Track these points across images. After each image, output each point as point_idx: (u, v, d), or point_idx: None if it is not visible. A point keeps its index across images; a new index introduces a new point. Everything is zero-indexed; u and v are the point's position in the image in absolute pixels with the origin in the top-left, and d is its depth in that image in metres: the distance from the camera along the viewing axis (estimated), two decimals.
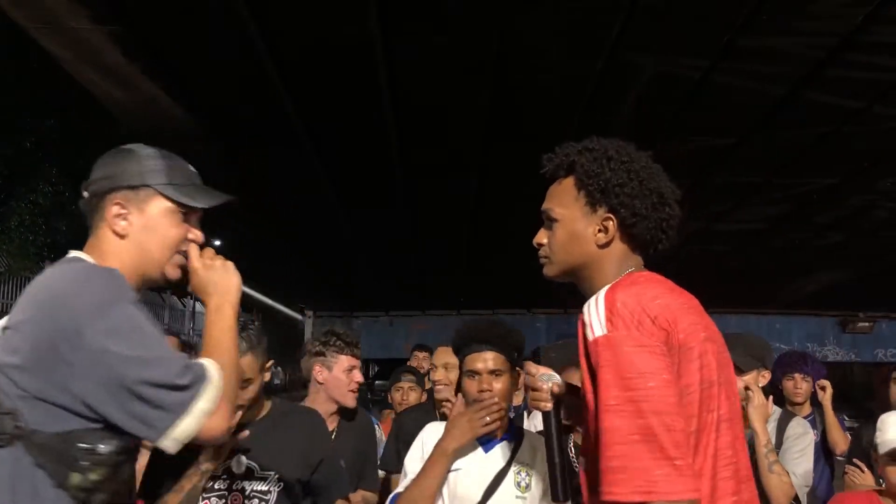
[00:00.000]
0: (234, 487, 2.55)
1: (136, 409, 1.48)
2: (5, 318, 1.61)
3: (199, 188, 1.84)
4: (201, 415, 1.52)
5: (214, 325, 1.74)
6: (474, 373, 2.58)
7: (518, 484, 2.51)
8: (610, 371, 1.48)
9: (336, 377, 3.60)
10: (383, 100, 4.92)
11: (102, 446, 1.48)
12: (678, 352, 1.52)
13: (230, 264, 1.87)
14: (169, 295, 23.62)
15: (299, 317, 14.72)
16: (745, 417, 3.30)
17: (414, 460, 2.61)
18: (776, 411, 3.78)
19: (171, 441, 1.52)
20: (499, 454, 2.58)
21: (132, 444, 1.60)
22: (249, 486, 2.56)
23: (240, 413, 2.35)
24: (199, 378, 1.55)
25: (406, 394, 5.14)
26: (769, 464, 3.18)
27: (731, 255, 9.13)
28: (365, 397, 6.07)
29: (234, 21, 3.98)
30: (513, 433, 2.66)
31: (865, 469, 4.05)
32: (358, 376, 3.67)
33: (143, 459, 3.36)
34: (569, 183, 1.80)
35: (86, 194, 1.79)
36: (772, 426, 3.58)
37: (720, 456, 1.51)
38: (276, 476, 2.59)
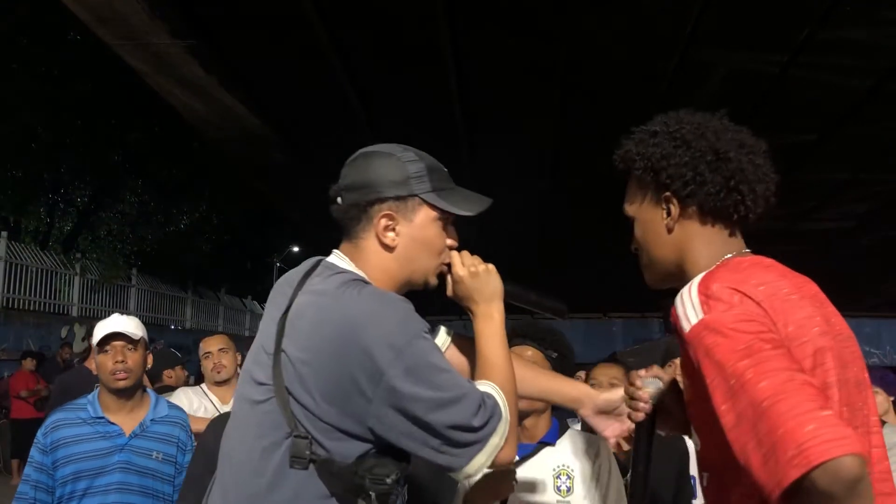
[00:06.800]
0: None
1: (434, 446, 1.49)
2: (286, 341, 1.53)
3: (457, 192, 1.73)
4: (494, 450, 1.52)
5: (485, 337, 1.69)
6: None
7: (558, 489, 2.41)
8: (716, 354, 1.27)
9: None
10: (453, 103, 4.94)
11: (389, 478, 1.48)
12: (788, 344, 1.30)
13: (492, 268, 1.75)
14: (223, 293, 23.98)
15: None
16: None
17: None
18: None
19: (462, 475, 1.54)
20: (536, 460, 2.49)
21: (407, 472, 1.60)
22: None
23: None
24: (493, 415, 1.53)
25: None
26: None
27: (815, 255, 8.82)
28: None
29: (306, 31, 4.06)
30: (554, 434, 2.56)
31: None
32: None
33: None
34: (632, 176, 1.65)
35: (339, 200, 1.66)
36: None
37: None
38: None
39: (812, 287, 1.50)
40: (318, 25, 4.00)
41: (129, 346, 2.90)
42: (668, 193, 1.55)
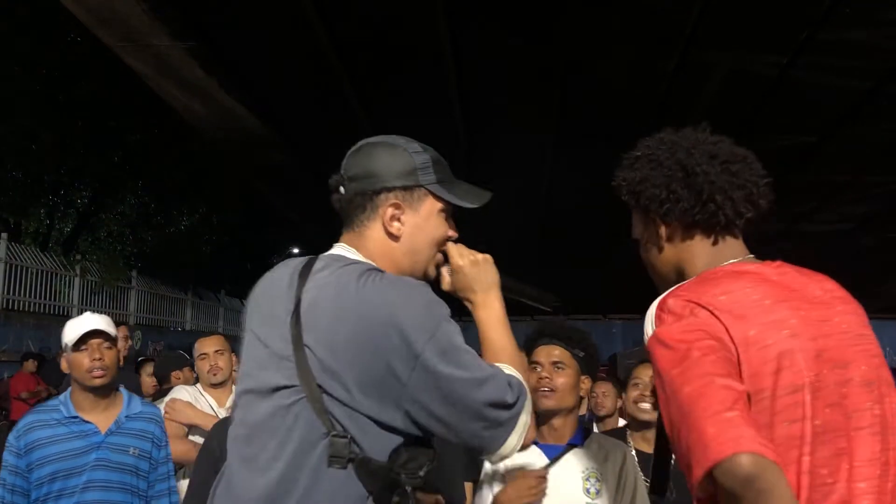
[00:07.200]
0: None
1: (472, 427, 1.49)
2: (307, 336, 1.51)
3: (460, 184, 1.75)
4: (524, 429, 1.53)
5: (489, 324, 1.71)
6: (536, 364, 2.55)
7: (587, 490, 2.44)
8: (660, 365, 1.33)
9: None
10: (453, 103, 4.95)
11: (422, 471, 1.49)
12: (744, 349, 1.33)
13: (489, 258, 1.77)
14: (223, 294, 23.95)
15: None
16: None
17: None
18: None
19: (497, 457, 1.54)
20: (566, 462, 2.51)
21: (435, 464, 1.59)
22: None
23: None
24: (521, 392, 1.55)
25: None
26: None
27: (815, 257, 8.82)
28: None
29: (305, 32, 4.06)
30: (581, 436, 2.59)
31: None
32: None
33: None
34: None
35: (342, 190, 1.68)
36: None
37: (815, 475, 1.29)
38: None
39: (812, 289, 1.48)
40: (318, 25, 4.00)
41: (106, 344, 2.90)
42: (651, 214, 1.59)
